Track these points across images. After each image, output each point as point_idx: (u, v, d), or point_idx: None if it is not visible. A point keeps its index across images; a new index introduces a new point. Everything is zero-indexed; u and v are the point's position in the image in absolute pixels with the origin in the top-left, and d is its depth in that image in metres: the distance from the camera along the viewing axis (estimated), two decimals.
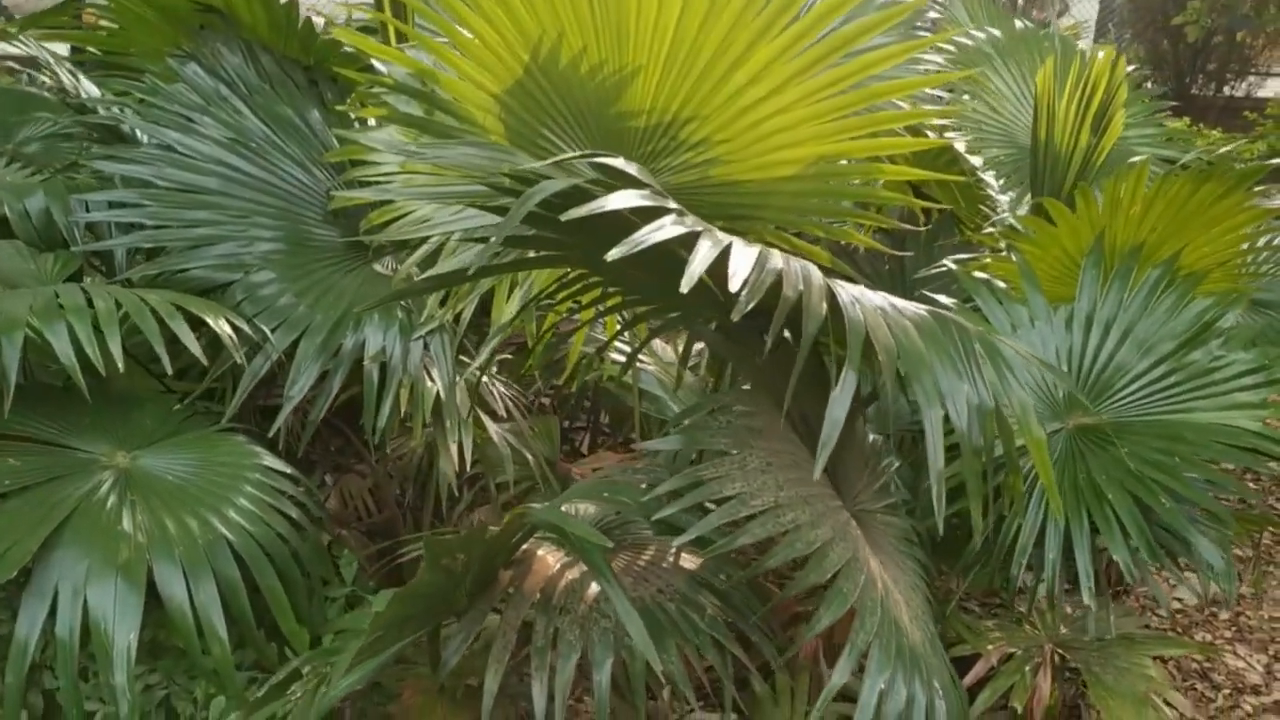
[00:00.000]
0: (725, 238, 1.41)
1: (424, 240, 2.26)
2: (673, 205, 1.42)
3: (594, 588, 1.79)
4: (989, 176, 2.70)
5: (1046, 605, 2.09)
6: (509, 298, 2.28)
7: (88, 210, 2.25)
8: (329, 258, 2.29)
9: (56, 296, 1.83)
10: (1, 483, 1.73)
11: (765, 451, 1.57)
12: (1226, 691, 2.96)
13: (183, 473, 1.90)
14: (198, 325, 1.92)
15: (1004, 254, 2.43)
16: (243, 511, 1.86)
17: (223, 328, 1.95)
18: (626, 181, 1.45)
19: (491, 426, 2.50)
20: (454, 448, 2.27)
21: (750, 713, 2.03)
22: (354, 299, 2.22)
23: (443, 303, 2.26)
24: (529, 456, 2.51)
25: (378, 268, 2.32)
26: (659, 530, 1.91)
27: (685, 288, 1.28)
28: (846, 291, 1.43)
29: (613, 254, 1.33)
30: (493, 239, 1.55)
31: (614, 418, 3.46)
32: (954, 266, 2.34)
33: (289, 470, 2.01)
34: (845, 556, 1.53)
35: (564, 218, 1.31)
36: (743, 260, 1.34)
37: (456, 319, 2.29)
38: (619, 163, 1.46)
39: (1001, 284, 2.27)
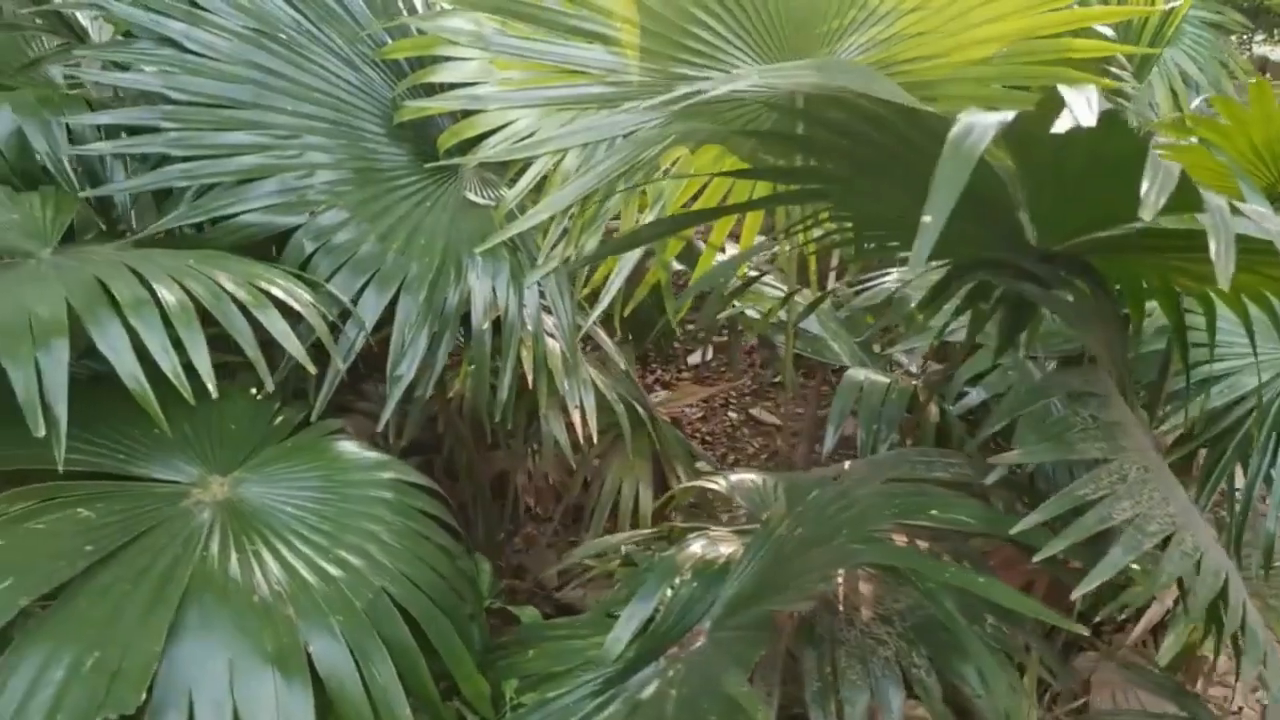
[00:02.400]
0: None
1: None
2: None
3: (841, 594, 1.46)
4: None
5: None
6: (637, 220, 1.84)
7: (69, 133, 1.67)
8: (405, 186, 1.78)
9: (101, 284, 1.31)
10: (80, 552, 1.25)
11: (1137, 453, 1.23)
12: None
13: (304, 500, 1.44)
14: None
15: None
16: (391, 550, 1.42)
17: (312, 316, 1.46)
18: None
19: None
20: (575, 412, 1.85)
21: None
22: (450, 239, 1.74)
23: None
24: (637, 405, 2.10)
25: (469, 195, 1.83)
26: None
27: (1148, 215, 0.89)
28: None
29: None
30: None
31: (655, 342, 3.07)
32: None
33: (423, 480, 1.56)
34: (1238, 581, 1.23)
35: None
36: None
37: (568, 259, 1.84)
38: None
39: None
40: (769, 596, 1.34)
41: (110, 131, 1.70)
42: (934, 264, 1.64)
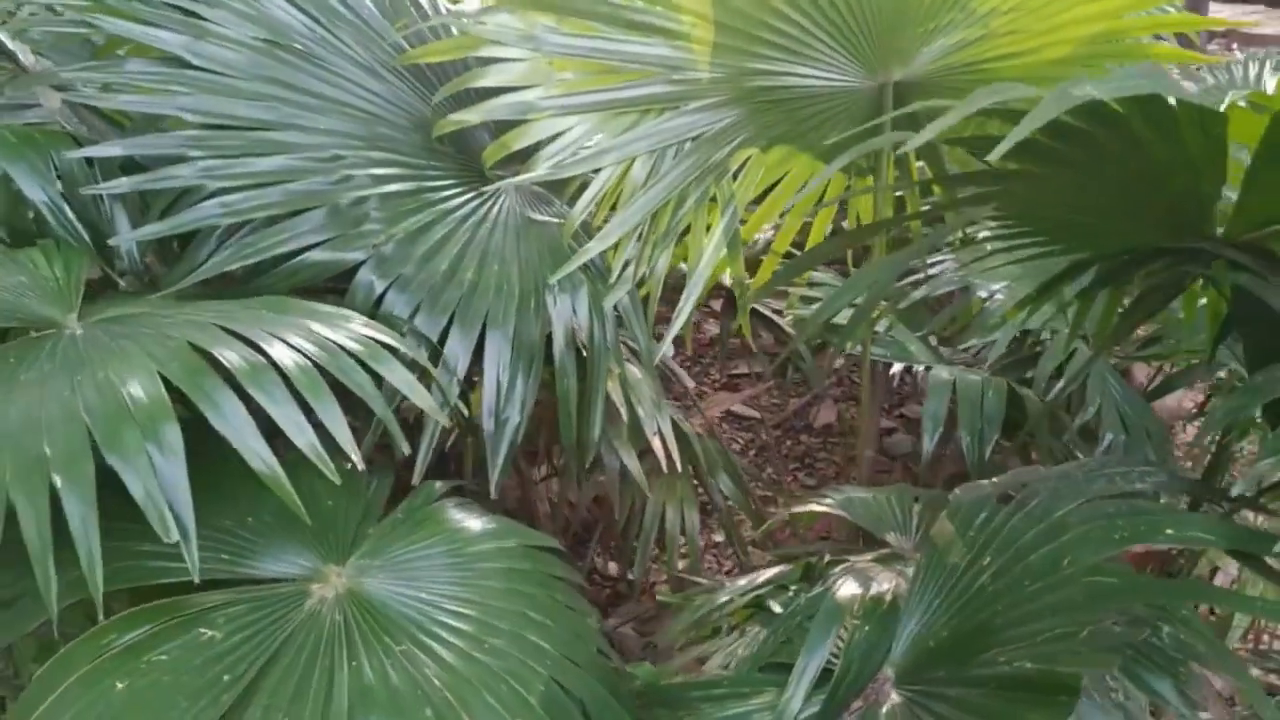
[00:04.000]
0: None
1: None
2: None
3: None
4: None
5: None
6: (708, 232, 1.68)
7: (57, 175, 1.40)
8: (458, 206, 1.56)
9: (195, 349, 1.08)
10: (219, 683, 1.01)
11: None
12: None
13: (438, 584, 1.22)
14: None
15: None
16: (546, 630, 1.22)
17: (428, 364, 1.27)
18: None
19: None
20: (656, 441, 1.68)
21: None
22: (522, 262, 1.54)
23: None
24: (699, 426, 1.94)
25: (530, 212, 1.63)
26: None
27: None
28: None
29: None
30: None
31: None
32: None
33: (549, 541, 1.37)
34: None
35: None
36: None
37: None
38: None
39: None
40: (988, 642, 1.19)
41: (105, 168, 1.43)
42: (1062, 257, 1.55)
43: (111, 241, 1.35)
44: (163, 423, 0.99)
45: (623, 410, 1.58)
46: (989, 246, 1.58)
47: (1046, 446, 1.72)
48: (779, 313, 2.32)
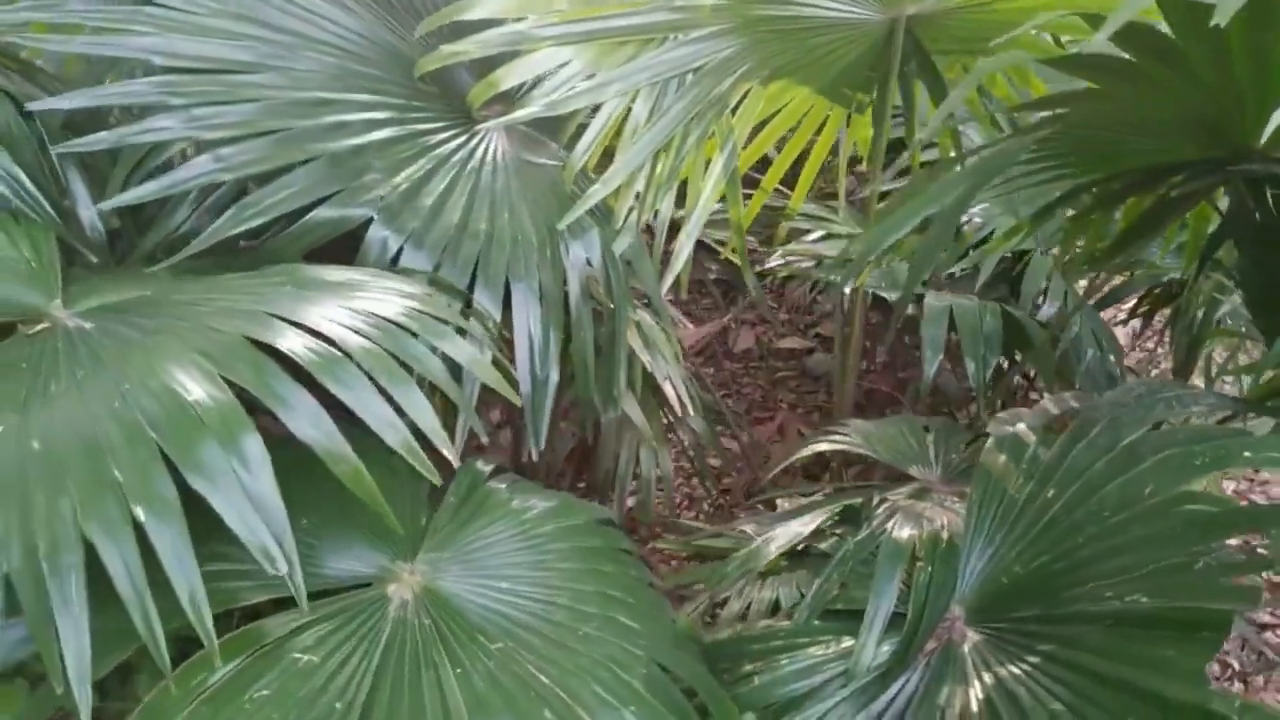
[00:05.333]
0: None
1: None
2: None
3: None
4: None
5: None
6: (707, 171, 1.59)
7: None
8: (453, 151, 1.42)
9: (252, 343, 0.94)
10: (332, 712, 0.90)
11: None
12: None
13: (517, 573, 1.12)
14: None
15: None
16: (633, 609, 1.14)
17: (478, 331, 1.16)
18: None
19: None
20: (667, 386, 1.60)
21: None
22: (532, 208, 1.42)
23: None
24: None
25: (527, 155, 1.49)
26: None
27: None
28: None
29: None
30: None
31: None
32: None
33: (609, 515, 1.28)
34: None
35: None
36: None
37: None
38: None
39: None
40: (1079, 577, 1.17)
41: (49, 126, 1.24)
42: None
43: (102, 207, 1.16)
44: (242, 433, 0.86)
45: (643, 358, 1.49)
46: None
47: (1047, 367, 1.73)
48: (722, 243, 2.28)
